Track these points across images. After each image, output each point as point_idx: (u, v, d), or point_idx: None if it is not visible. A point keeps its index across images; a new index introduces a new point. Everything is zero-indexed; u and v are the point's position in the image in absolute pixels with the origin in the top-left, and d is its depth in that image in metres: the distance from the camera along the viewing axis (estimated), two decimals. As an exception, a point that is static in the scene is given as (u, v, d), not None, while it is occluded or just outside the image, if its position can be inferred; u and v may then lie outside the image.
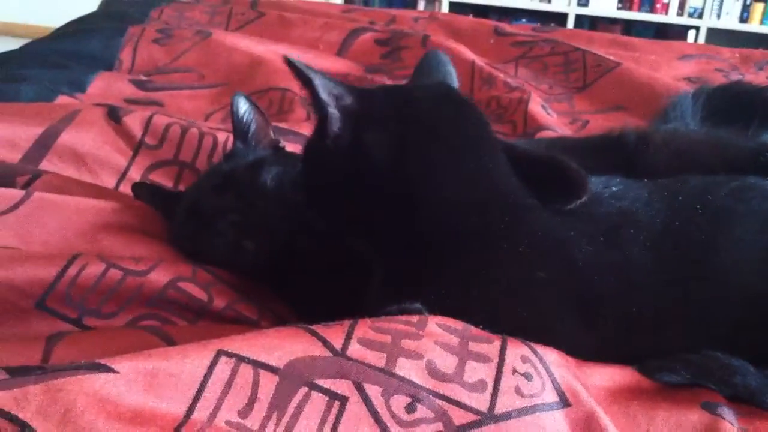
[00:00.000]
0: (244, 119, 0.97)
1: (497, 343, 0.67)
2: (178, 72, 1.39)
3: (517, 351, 0.67)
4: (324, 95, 0.74)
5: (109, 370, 0.56)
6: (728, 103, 1.29)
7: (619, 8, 3.81)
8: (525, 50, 1.58)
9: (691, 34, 3.70)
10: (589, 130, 1.34)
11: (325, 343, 0.63)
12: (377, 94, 0.79)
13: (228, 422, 0.57)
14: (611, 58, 1.50)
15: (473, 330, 0.68)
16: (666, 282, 0.76)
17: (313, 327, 0.65)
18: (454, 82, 0.88)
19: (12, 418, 0.53)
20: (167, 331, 0.76)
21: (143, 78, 1.35)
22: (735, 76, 1.53)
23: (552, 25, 3.38)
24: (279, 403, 0.59)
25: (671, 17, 3.72)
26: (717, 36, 3.60)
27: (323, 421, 0.59)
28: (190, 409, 0.57)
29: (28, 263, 0.79)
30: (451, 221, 0.75)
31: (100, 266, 0.80)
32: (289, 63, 0.74)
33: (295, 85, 1.32)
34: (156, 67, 1.41)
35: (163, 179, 1.06)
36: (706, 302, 0.75)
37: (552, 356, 0.69)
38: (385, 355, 0.63)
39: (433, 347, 0.65)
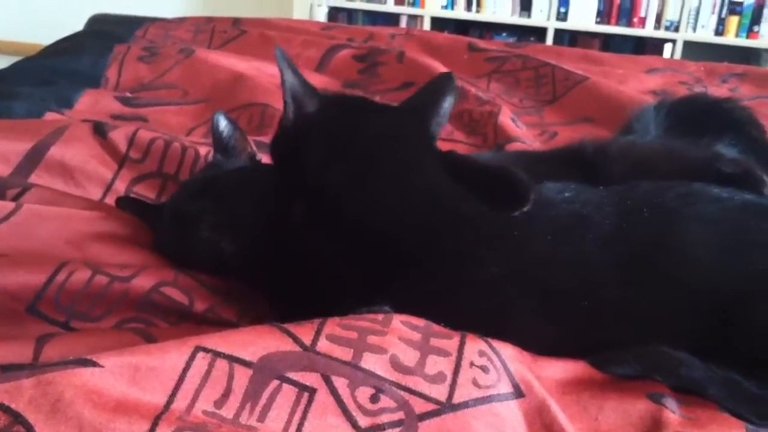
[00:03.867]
0: (224, 135, 1.02)
1: (456, 339, 0.73)
2: (163, 89, 1.44)
3: (474, 346, 0.72)
4: (288, 97, 0.82)
5: (95, 364, 0.61)
6: (689, 115, 1.35)
7: (597, 22, 3.87)
8: (497, 65, 1.64)
9: (668, 47, 3.77)
10: (557, 141, 1.39)
11: (296, 340, 0.68)
12: (334, 113, 0.86)
13: (205, 412, 0.62)
14: (579, 72, 1.57)
15: (435, 327, 0.74)
16: (615, 279, 0.82)
17: (286, 325, 0.70)
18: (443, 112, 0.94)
19: (6, 409, 0.58)
20: (150, 332, 0.81)
21: (129, 95, 1.40)
22: (698, 89, 1.60)
23: (531, 39, 3.44)
24: (252, 394, 0.64)
25: (648, 30, 3.78)
26: (693, 49, 3.67)
27: (293, 411, 0.64)
28: (170, 400, 0.62)
29: (19, 270, 0.84)
30: (402, 232, 0.81)
31: (87, 273, 0.85)
32: (277, 51, 0.82)
33: (274, 101, 1.37)
34: (141, 84, 1.46)
35: (147, 191, 1.11)
36: (654, 298, 0.81)
37: (508, 351, 0.74)
38: (352, 350, 0.68)
39: (396, 342, 0.70)
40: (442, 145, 1.34)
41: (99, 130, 1.13)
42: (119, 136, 1.13)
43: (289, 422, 0.63)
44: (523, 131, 1.38)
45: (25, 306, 0.83)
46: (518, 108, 1.51)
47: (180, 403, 0.62)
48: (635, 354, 0.79)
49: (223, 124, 1.02)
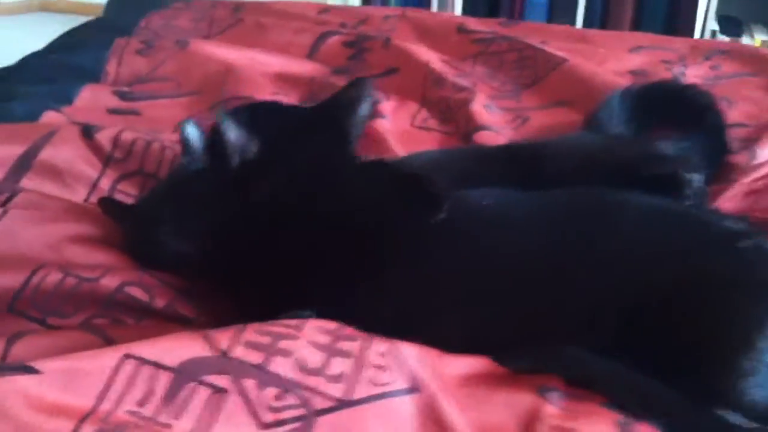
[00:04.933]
0: (191, 141, 1.11)
1: (360, 342, 0.82)
2: (158, 81, 1.54)
3: (378, 347, 0.82)
4: (231, 150, 0.90)
5: (35, 371, 0.73)
6: (653, 102, 1.41)
7: None
8: (484, 47, 1.69)
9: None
10: (528, 126, 1.46)
11: (213, 346, 0.78)
12: (271, 156, 0.95)
13: (128, 411, 0.73)
14: (560, 54, 1.61)
15: (345, 330, 0.83)
16: (526, 282, 0.90)
17: (208, 331, 0.80)
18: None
19: None
20: (109, 334, 0.91)
21: (125, 89, 1.51)
22: (678, 68, 1.63)
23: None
24: (171, 396, 0.74)
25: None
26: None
27: (206, 409, 0.74)
28: (98, 402, 0.72)
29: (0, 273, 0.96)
30: (319, 240, 0.90)
31: (59, 275, 0.97)
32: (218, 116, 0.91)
33: (259, 93, 1.46)
34: (138, 77, 1.56)
35: (129, 188, 1.22)
36: (561, 300, 0.89)
37: (410, 350, 0.83)
38: (263, 354, 0.78)
39: (305, 346, 0.80)
40: (418, 133, 1.44)
41: (86, 133, 1.24)
42: (104, 137, 1.24)
43: (201, 419, 0.74)
44: (496, 118, 1.45)
45: (6, 306, 0.95)
46: (498, 92, 1.57)
47: (106, 405, 0.73)
48: (534, 350, 0.87)
49: (190, 130, 1.12)
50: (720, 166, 1.29)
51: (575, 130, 1.41)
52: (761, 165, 1.25)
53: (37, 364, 0.73)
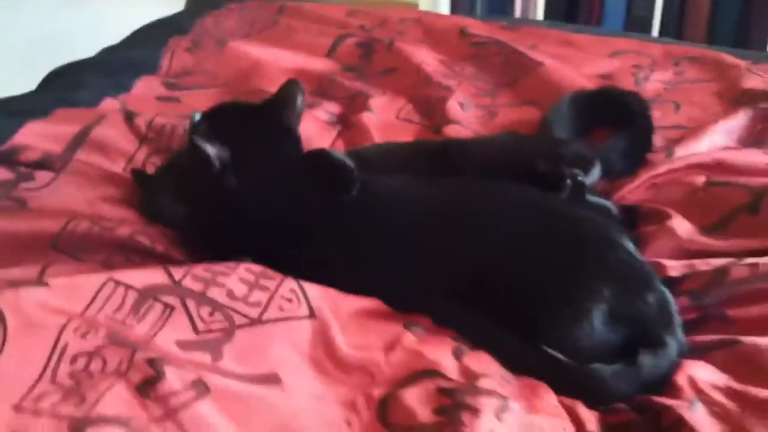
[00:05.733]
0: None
1: (277, 280, 1.13)
2: (197, 75, 1.89)
3: (287, 284, 1.13)
4: (216, 162, 1.21)
5: (46, 284, 1.07)
6: (596, 105, 1.66)
7: None
8: (478, 50, 1.97)
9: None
10: (494, 122, 1.73)
11: (170, 276, 1.11)
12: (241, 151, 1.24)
13: (106, 316, 1.06)
14: (539, 58, 1.87)
15: (268, 272, 1.15)
16: (414, 243, 1.20)
17: (170, 266, 1.13)
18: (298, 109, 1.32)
19: None
20: (118, 268, 1.25)
21: (172, 81, 1.87)
22: (644, 73, 1.86)
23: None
24: (135, 307, 1.06)
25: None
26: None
27: (159, 318, 1.07)
28: (85, 308, 1.05)
29: (46, 220, 1.32)
30: (265, 215, 1.23)
31: (88, 224, 1.32)
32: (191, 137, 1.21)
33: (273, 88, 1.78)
34: (184, 71, 1.92)
35: (158, 162, 1.56)
36: (440, 259, 1.19)
37: (313, 289, 1.14)
38: (203, 284, 1.11)
39: (235, 280, 1.12)
40: (399, 125, 1.74)
41: (128, 117, 1.60)
42: (141, 121, 1.59)
43: (155, 324, 1.06)
44: (467, 114, 1.73)
45: (49, 244, 1.31)
46: (480, 90, 1.85)
47: (91, 311, 1.05)
48: (412, 297, 1.17)
49: (195, 120, 1.45)
50: (640, 163, 1.53)
51: (534, 126, 1.67)
52: (666, 162, 1.49)
53: (49, 281, 1.08)
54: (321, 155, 1.29)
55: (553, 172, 1.29)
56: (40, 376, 0.96)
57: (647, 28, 3.64)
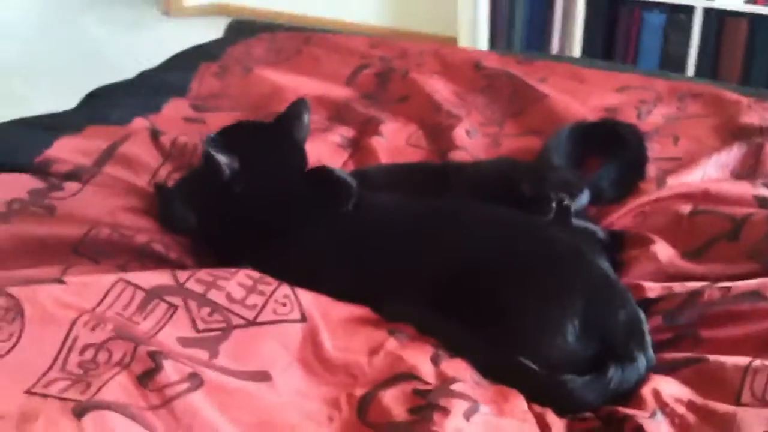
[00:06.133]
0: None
1: (273, 286, 1.23)
2: (223, 98, 2.01)
3: (282, 290, 1.22)
4: (226, 169, 1.33)
5: (63, 282, 1.18)
6: (594, 136, 1.74)
7: (746, 2, 3.88)
8: (490, 82, 2.06)
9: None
10: (498, 150, 1.82)
11: (176, 279, 1.22)
12: (250, 162, 1.35)
13: (114, 313, 1.16)
14: (545, 90, 1.96)
15: (266, 279, 1.24)
16: (398, 253, 1.29)
17: (176, 270, 1.24)
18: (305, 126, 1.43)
19: (9, 295, 1.14)
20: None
21: (199, 103, 1.99)
22: (647, 107, 1.93)
23: (682, 16, 3.62)
24: (142, 306, 1.17)
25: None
26: None
27: (163, 316, 1.17)
28: (96, 305, 1.15)
29: (71, 226, 1.44)
30: (269, 223, 1.33)
31: (108, 231, 1.43)
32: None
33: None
34: (211, 94, 2.04)
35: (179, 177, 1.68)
36: (429, 273, 1.28)
37: (306, 295, 1.23)
38: (205, 287, 1.21)
39: (234, 285, 1.22)
40: (407, 149, 1.83)
41: (154, 135, 1.72)
42: (166, 139, 1.71)
43: (159, 321, 1.17)
44: (472, 141, 1.81)
45: (71, 249, 1.42)
46: (488, 120, 1.94)
47: (101, 308, 1.16)
48: (398, 306, 1.26)
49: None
50: (630, 191, 1.60)
51: (535, 155, 1.76)
52: (655, 191, 1.56)
53: (66, 279, 1.19)
54: (323, 171, 1.39)
55: (539, 196, 1.37)
56: (52, 364, 1.06)
57: (682, 67, 3.71)
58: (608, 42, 3.90)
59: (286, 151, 1.39)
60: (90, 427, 0.96)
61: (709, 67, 3.75)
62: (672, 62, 3.76)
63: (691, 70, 3.71)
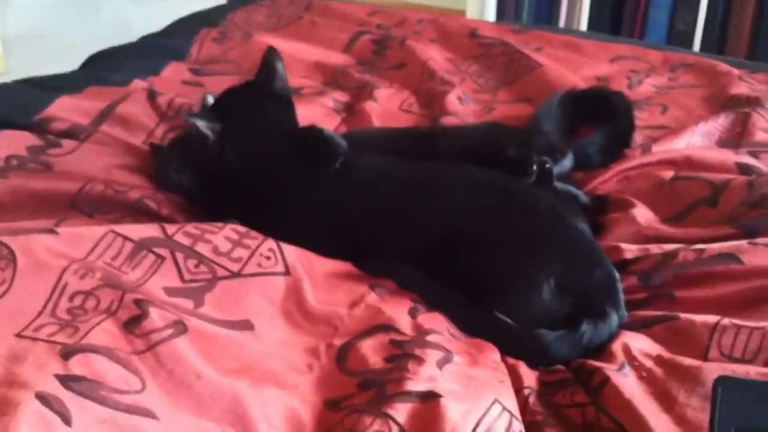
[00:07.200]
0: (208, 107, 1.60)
1: (259, 240, 1.27)
2: (222, 63, 2.05)
3: (267, 244, 1.26)
4: (207, 131, 1.36)
5: (55, 232, 1.22)
6: (584, 103, 1.77)
7: None
8: (485, 50, 2.09)
9: None
10: (490, 116, 1.84)
11: (164, 231, 1.25)
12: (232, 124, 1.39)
13: (104, 262, 1.20)
14: (540, 59, 1.98)
15: (252, 233, 1.28)
16: (384, 213, 1.33)
17: (165, 224, 1.28)
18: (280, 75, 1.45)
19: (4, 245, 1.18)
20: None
21: (197, 67, 2.02)
22: (638, 77, 1.95)
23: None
24: (131, 257, 1.21)
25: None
26: None
27: (151, 267, 1.21)
28: (86, 254, 1.20)
29: (67, 181, 1.48)
30: (258, 181, 1.37)
31: (102, 187, 1.48)
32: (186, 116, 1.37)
33: (294, 77, 1.92)
34: (210, 59, 2.07)
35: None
36: (412, 232, 1.31)
37: (291, 249, 1.27)
38: (192, 240, 1.24)
39: (221, 238, 1.25)
40: (400, 114, 1.86)
41: (150, 96, 1.76)
42: (162, 100, 1.75)
43: (146, 272, 1.21)
44: (464, 108, 1.84)
45: (67, 202, 1.46)
46: (481, 87, 1.97)
47: (92, 257, 1.20)
48: (380, 262, 1.30)
49: (208, 100, 1.60)
50: (615, 158, 1.63)
51: (526, 121, 1.78)
52: (638, 158, 1.59)
53: (58, 229, 1.24)
54: (313, 130, 1.43)
55: (522, 158, 1.40)
56: (42, 309, 1.10)
57: (689, 42, 3.71)
58: (616, 16, 3.89)
59: (268, 105, 1.42)
60: (76, 368, 0.99)
61: (716, 43, 3.74)
62: (679, 37, 3.76)
63: (697, 45, 3.70)
